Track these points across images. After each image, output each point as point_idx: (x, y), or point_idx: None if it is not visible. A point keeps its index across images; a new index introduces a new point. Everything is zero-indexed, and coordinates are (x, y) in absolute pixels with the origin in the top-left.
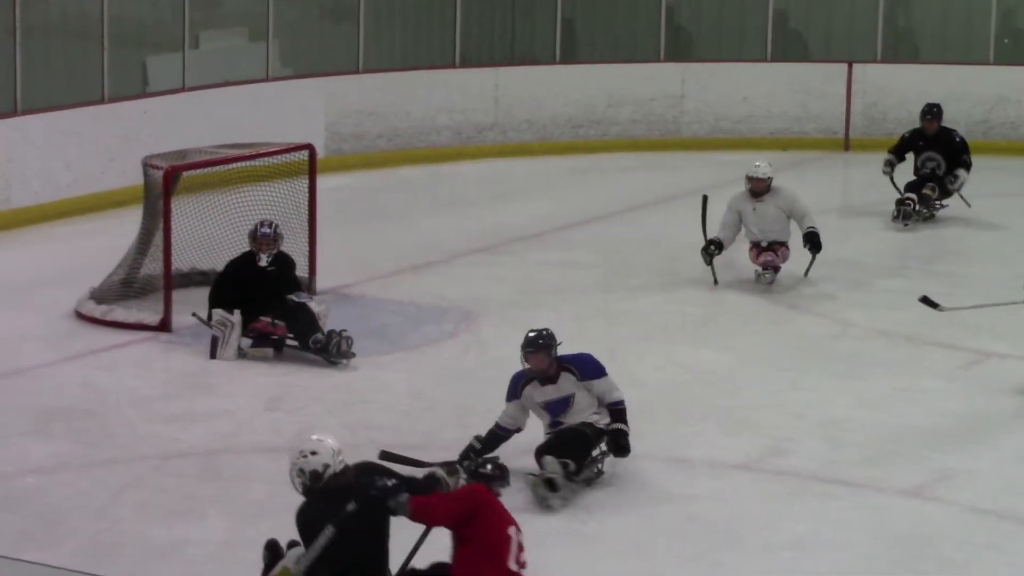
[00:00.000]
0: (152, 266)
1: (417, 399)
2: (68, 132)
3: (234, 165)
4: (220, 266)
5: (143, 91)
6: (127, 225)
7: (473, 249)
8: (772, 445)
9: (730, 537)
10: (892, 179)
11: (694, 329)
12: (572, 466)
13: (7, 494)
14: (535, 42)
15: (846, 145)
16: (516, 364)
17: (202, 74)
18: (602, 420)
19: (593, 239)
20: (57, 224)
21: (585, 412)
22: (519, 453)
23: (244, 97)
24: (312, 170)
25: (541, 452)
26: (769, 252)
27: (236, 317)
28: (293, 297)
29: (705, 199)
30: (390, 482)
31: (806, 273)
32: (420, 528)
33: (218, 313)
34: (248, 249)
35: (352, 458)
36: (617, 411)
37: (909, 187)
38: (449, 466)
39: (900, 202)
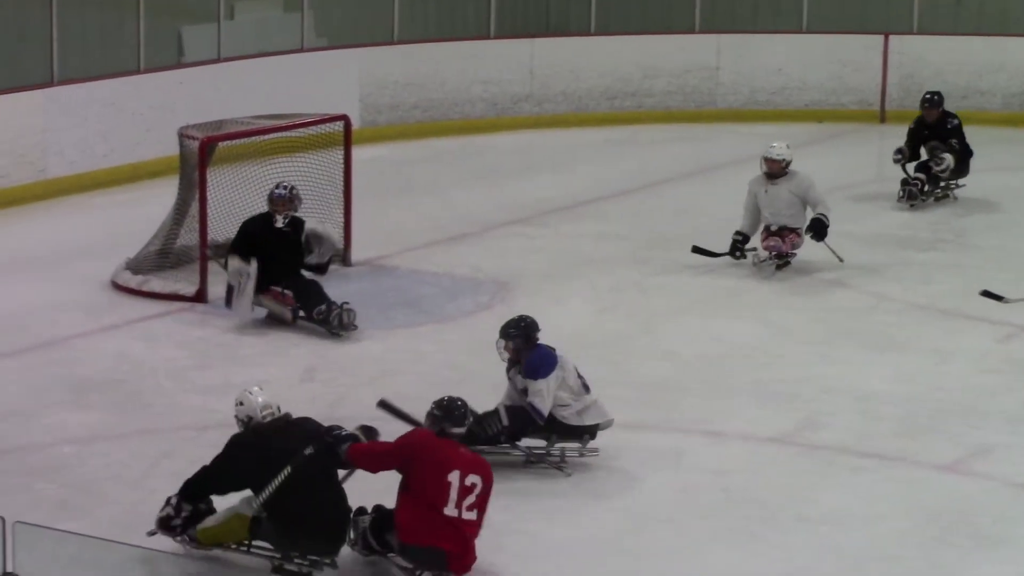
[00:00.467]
0: (188, 237)
1: (452, 370)
2: (104, 103)
3: (269, 136)
4: None
5: (178, 62)
6: (163, 196)
7: (508, 221)
8: (806, 418)
9: (764, 511)
10: (904, 168)
11: (728, 302)
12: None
13: (44, 464)
14: (570, 13)
15: (882, 117)
16: (549, 337)
17: (237, 45)
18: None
19: (628, 211)
20: (93, 194)
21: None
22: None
23: (279, 68)
24: (347, 141)
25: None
26: (775, 237)
27: (252, 267)
28: (306, 272)
29: (696, 248)
30: (344, 432)
31: (839, 259)
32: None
33: (235, 261)
34: (266, 211)
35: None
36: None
37: (918, 169)
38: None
39: (905, 182)
